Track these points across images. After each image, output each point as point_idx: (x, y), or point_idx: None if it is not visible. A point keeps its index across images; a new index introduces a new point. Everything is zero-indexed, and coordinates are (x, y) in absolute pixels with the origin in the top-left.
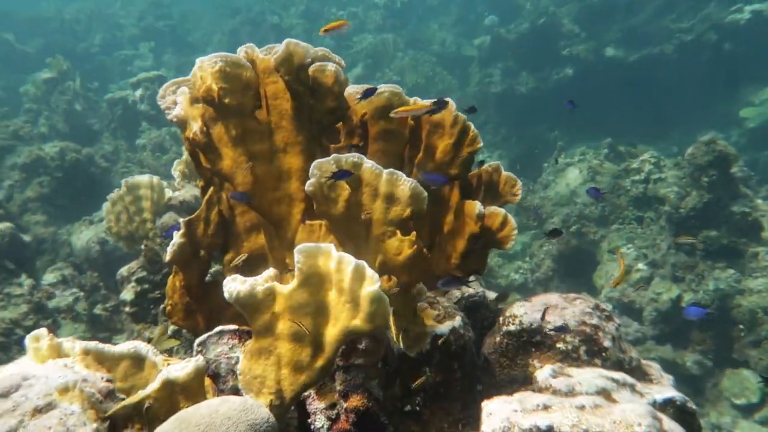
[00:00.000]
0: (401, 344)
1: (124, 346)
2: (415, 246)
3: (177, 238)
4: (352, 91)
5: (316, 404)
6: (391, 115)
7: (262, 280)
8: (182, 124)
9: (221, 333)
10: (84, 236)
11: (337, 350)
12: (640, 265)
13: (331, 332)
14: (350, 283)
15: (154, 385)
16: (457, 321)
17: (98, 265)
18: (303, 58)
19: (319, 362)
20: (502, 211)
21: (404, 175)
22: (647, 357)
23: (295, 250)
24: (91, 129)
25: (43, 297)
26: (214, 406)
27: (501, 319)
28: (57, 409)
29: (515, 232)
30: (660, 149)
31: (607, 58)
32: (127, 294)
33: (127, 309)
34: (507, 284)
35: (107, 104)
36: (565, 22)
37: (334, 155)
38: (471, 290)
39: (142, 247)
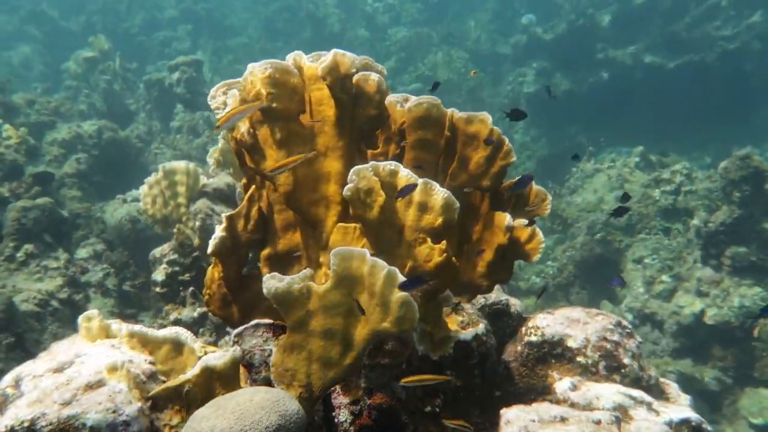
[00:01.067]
0: (425, 347)
1: (166, 332)
2: (445, 254)
3: (219, 231)
4: (393, 99)
5: (340, 399)
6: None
7: (299, 279)
8: (231, 125)
9: (257, 326)
10: (117, 214)
11: (365, 349)
12: (664, 277)
13: (361, 332)
14: (382, 287)
15: (194, 371)
16: (481, 328)
17: (129, 242)
18: (348, 68)
19: (348, 360)
20: (529, 226)
21: (438, 185)
22: (666, 370)
23: (331, 253)
24: (128, 109)
25: (77, 271)
26: (249, 394)
27: (523, 329)
28: (106, 386)
29: (543, 245)
30: (693, 159)
31: (645, 64)
32: (159, 275)
33: (157, 289)
34: (527, 288)
35: (144, 85)
36: (604, 25)
37: (372, 163)
38: (494, 297)
39: (175, 230)
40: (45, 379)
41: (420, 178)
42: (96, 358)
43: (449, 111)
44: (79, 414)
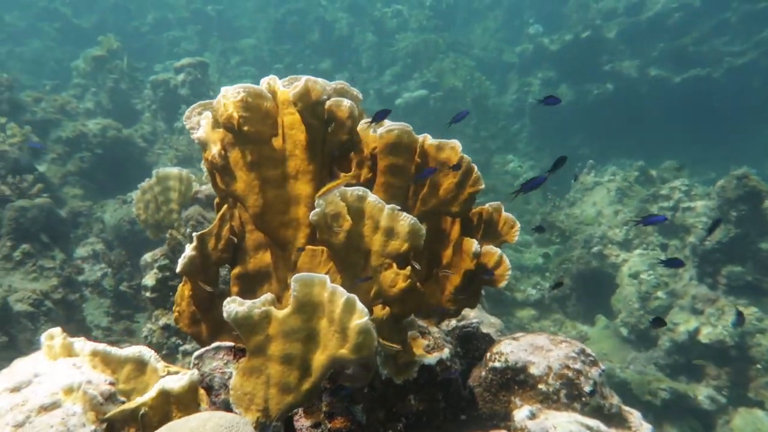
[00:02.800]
0: (389, 371)
1: (130, 351)
2: (409, 280)
3: (188, 250)
4: (365, 125)
5: (302, 421)
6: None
7: (260, 303)
8: (203, 145)
9: (218, 348)
10: (117, 214)
11: (324, 375)
12: (660, 294)
13: (320, 358)
14: (341, 314)
15: (150, 394)
16: (445, 353)
17: (127, 243)
18: (319, 95)
19: (306, 385)
20: (498, 251)
21: (404, 212)
22: (659, 387)
23: (292, 279)
24: (133, 108)
25: (72, 272)
26: (203, 420)
27: (488, 354)
28: (61, 409)
29: (509, 272)
30: (698, 172)
31: (651, 77)
32: (149, 280)
33: (147, 294)
34: (523, 299)
35: (151, 85)
36: (610, 37)
37: (340, 188)
38: (465, 321)
39: (167, 236)
40: (1, 398)
41: (387, 204)
42: (54, 378)
43: (421, 138)
44: None
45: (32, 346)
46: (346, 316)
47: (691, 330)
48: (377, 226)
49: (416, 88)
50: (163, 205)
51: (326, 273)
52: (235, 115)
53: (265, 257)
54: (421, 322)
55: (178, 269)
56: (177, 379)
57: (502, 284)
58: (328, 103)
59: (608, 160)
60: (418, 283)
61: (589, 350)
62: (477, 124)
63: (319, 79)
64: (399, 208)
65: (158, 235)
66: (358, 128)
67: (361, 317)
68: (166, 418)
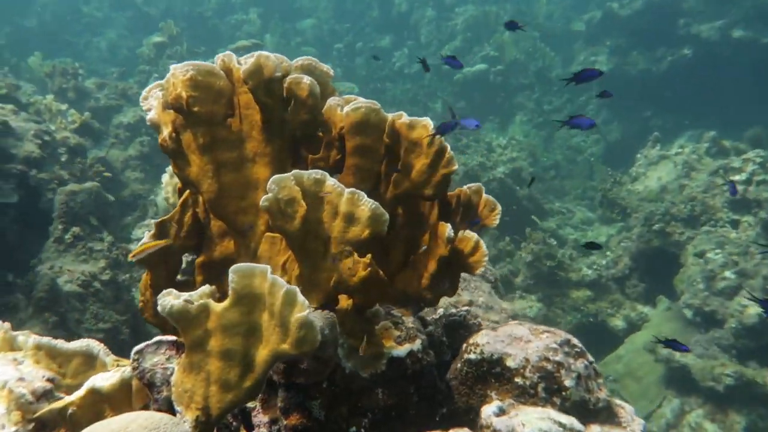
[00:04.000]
0: (353, 364)
1: (77, 344)
2: (369, 269)
3: (146, 238)
4: (333, 102)
5: (260, 417)
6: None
7: (197, 296)
8: (156, 128)
9: (159, 343)
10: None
11: (267, 372)
12: (728, 273)
13: (262, 354)
14: (281, 307)
15: (79, 393)
16: (417, 344)
17: None
18: (272, 71)
19: (248, 383)
20: (474, 235)
21: (365, 195)
22: (723, 372)
23: (230, 270)
24: None
25: (120, 253)
26: (127, 421)
27: (465, 345)
28: None
29: (485, 258)
30: None
31: (734, 40)
32: None
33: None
34: (578, 279)
35: None
36: None
37: (294, 171)
38: (453, 309)
39: None
40: None
41: (347, 188)
42: None
43: (390, 116)
44: None
45: (81, 325)
46: (287, 309)
47: (762, 312)
48: (336, 212)
49: (476, 62)
50: None
51: (286, 261)
52: (184, 94)
53: (231, 245)
54: (396, 311)
55: (130, 256)
56: (107, 376)
57: (478, 271)
58: (287, 80)
59: (683, 131)
60: (380, 272)
61: (575, 341)
62: (539, 98)
63: (273, 55)
64: (359, 192)
65: None
66: (327, 106)
67: (301, 310)
68: (97, 418)
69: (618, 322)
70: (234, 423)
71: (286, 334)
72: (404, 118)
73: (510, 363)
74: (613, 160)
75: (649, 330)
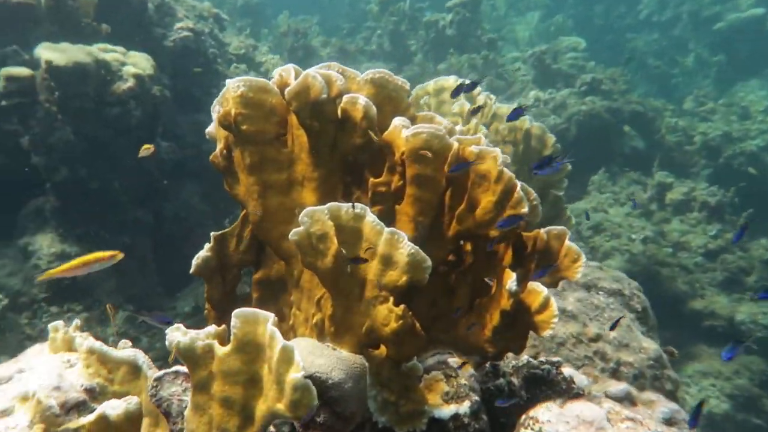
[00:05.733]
0: (388, 419)
1: (124, 353)
2: (401, 321)
3: (204, 251)
4: (399, 123)
5: None
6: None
7: (203, 335)
8: (214, 142)
9: (177, 373)
10: None
11: (266, 427)
12: None
13: (261, 408)
14: (276, 364)
15: (90, 417)
16: (464, 406)
17: None
18: (318, 92)
19: None
20: (543, 291)
21: (406, 238)
22: None
23: (233, 313)
24: (408, 50)
25: None
26: None
27: (523, 416)
28: (9, 418)
29: (555, 319)
30: None
31: None
32: None
33: None
34: (727, 322)
35: (424, 26)
36: None
37: (330, 204)
38: (538, 361)
39: None
40: None
41: (387, 228)
42: (32, 376)
43: (456, 145)
44: None
45: None
46: (282, 367)
47: None
48: (374, 252)
49: (748, 6)
50: None
51: (322, 297)
52: (233, 112)
53: None
54: (453, 361)
55: (191, 270)
56: (116, 405)
57: (545, 333)
58: (343, 100)
59: None
60: (417, 325)
61: None
62: None
63: (325, 73)
64: (399, 233)
65: None
66: (393, 126)
67: (297, 371)
68: None
69: None
70: None
71: (281, 392)
72: (473, 146)
73: None
74: None
75: None
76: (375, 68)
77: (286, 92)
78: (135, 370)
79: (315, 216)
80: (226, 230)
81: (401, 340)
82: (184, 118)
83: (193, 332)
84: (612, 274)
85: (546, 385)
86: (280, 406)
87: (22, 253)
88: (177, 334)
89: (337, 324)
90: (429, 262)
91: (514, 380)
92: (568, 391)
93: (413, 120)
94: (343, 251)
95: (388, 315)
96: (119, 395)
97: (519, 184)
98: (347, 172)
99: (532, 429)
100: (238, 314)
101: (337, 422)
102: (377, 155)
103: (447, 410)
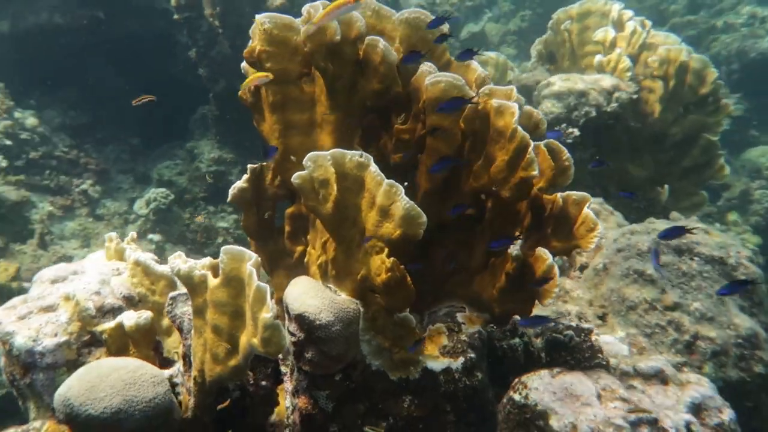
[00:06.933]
0: (381, 363)
1: (164, 268)
2: (390, 274)
3: (240, 182)
4: (425, 69)
5: (287, 384)
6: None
7: (200, 266)
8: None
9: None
10: None
11: (247, 358)
12: None
13: (243, 340)
14: (252, 302)
15: (111, 324)
16: (457, 362)
17: None
18: (333, 34)
19: (232, 362)
20: (548, 257)
21: (402, 191)
22: None
23: (222, 249)
24: None
25: None
26: (113, 368)
27: (515, 380)
28: (52, 313)
29: (557, 288)
30: None
31: None
32: None
33: None
34: None
35: None
36: None
37: (335, 150)
38: (564, 323)
39: None
40: (41, 287)
41: (386, 179)
42: (83, 279)
43: (475, 92)
44: (13, 333)
45: None
46: (256, 306)
47: None
48: (373, 202)
49: None
50: None
51: (327, 240)
52: (258, 48)
53: None
54: (463, 316)
55: (228, 198)
56: (131, 317)
57: (546, 301)
58: (366, 42)
59: None
60: (407, 278)
61: (664, 422)
62: None
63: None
64: (397, 185)
65: None
66: (419, 72)
67: (267, 311)
68: (124, 348)
69: None
70: (267, 383)
71: (256, 329)
72: (494, 100)
73: (553, 423)
74: None
75: None
76: (414, 8)
77: (301, 32)
78: (172, 284)
79: (318, 161)
80: (263, 163)
81: (391, 291)
82: None
83: (192, 262)
84: (718, 240)
85: (566, 351)
86: (255, 341)
87: (189, 155)
88: (178, 262)
89: (338, 268)
90: (424, 218)
91: (537, 341)
92: (589, 360)
93: (447, 66)
94: (343, 197)
95: (380, 266)
96: (159, 305)
97: (533, 144)
98: (379, 116)
99: (519, 393)
100: (225, 250)
101: (324, 360)
102: (405, 100)
103: (439, 363)
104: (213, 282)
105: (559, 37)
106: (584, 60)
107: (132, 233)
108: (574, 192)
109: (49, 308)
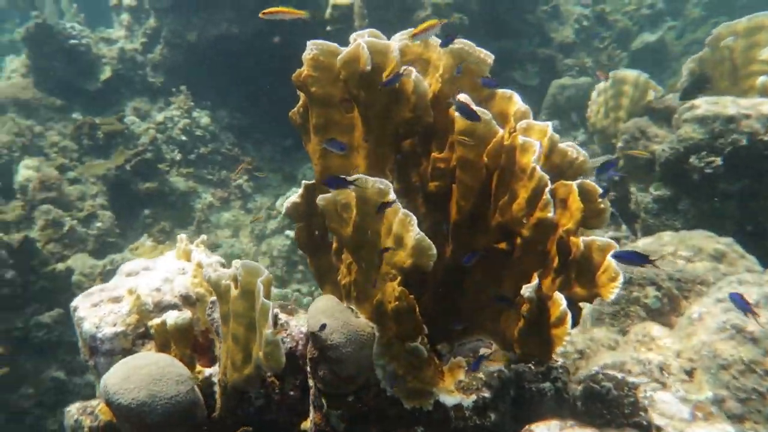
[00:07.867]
0: (396, 390)
1: (221, 272)
2: (397, 302)
3: (294, 197)
4: (463, 98)
5: (311, 397)
6: None
7: (227, 276)
8: None
9: None
10: None
11: (258, 369)
12: None
13: (255, 350)
14: (258, 317)
15: (156, 321)
16: (469, 400)
17: None
18: (365, 63)
19: (247, 371)
20: (562, 304)
21: (415, 222)
22: None
23: (239, 263)
24: None
25: None
26: (145, 362)
27: (525, 427)
28: (117, 304)
29: (567, 337)
30: None
31: None
32: None
33: None
34: None
35: None
36: None
37: (359, 176)
38: (608, 374)
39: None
40: (118, 279)
41: (402, 209)
42: (150, 275)
43: (501, 131)
44: (84, 318)
45: None
46: (261, 321)
47: None
48: (390, 230)
49: None
50: (612, 111)
51: (352, 261)
52: (305, 73)
53: None
54: (485, 351)
55: (283, 210)
56: (173, 317)
57: (557, 349)
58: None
59: None
60: (416, 309)
61: None
62: None
63: (381, 43)
64: (411, 216)
65: (603, 142)
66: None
67: (269, 327)
68: (166, 345)
69: None
70: (294, 393)
71: (260, 344)
72: (523, 136)
73: None
74: None
75: None
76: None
77: (338, 60)
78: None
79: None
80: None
81: (399, 320)
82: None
83: (222, 271)
84: None
85: (602, 404)
86: (261, 355)
87: None
88: (209, 270)
89: (358, 290)
90: (434, 250)
91: (576, 387)
92: (627, 417)
93: (490, 98)
94: (362, 222)
95: (391, 293)
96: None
97: (549, 185)
98: (421, 143)
99: None
100: (242, 264)
101: (334, 379)
102: (445, 129)
103: (452, 398)
104: (234, 293)
105: (717, 55)
106: (747, 81)
107: (203, 236)
108: (599, 238)
109: (117, 299)
